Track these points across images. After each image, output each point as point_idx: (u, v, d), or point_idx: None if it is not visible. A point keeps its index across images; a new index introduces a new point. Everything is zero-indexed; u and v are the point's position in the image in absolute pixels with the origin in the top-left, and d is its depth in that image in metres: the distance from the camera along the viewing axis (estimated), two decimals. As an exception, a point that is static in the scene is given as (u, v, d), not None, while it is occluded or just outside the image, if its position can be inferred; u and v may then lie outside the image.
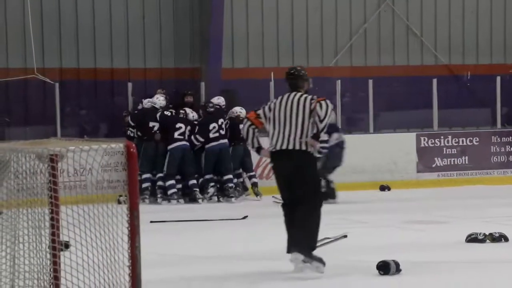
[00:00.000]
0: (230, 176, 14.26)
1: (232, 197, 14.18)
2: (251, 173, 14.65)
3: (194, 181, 14.25)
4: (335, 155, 13.44)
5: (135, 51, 16.45)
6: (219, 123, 14.31)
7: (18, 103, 16.01)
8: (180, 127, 14.22)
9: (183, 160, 14.17)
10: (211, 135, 14.28)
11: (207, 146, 14.30)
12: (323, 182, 13.48)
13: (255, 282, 7.60)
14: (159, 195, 14.22)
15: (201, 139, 14.26)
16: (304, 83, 7.78)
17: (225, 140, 14.36)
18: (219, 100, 14.70)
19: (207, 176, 14.27)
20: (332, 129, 12.69)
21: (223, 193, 14.29)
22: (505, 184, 15.99)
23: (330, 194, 13.42)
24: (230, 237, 10.52)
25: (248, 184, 14.68)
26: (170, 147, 14.19)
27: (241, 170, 14.63)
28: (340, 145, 13.63)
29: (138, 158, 5.34)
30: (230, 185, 14.22)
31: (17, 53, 15.71)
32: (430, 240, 9.78)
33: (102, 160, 5.10)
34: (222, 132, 14.34)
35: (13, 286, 5.59)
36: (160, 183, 14.26)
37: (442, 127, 16.69)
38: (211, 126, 14.30)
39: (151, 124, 14.25)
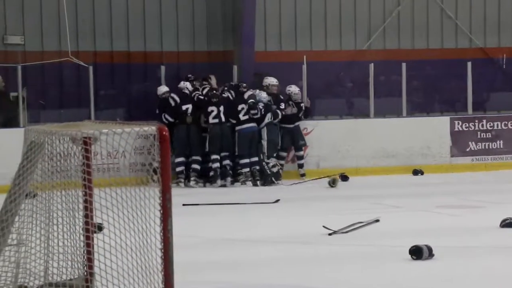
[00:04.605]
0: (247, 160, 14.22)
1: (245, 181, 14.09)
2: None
3: (228, 162, 14.22)
4: None
5: (168, 34, 16.46)
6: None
7: (53, 86, 16.10)
8: (212, 111, 14.22)
9: (222, 139, 14.17)
10: (242, 117, 14.23)
11: (238, 128, 14.28)
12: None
13: (287, 266, 7.61)
14: (192, 178, 14.16)
15: (232, 120, 14.23)
16: None
17: (254, 124, 14.22)
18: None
19: (244, 161, 14.14)
20: None
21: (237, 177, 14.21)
22: (540, 168, 15.85)
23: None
24: (262, 220, 10.53)
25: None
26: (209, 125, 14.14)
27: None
28: None
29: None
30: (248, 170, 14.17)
31: (52, 36, 15.78)
32: (464, 224, 9.72)
33: (135, 143, 5.11)
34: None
35: (47, 267, 5.64)
36: (195, 165, 14.21)
37: (477, 111, 16.52)
38: (239, 107, 14.27)
39: (184, 107, 14.33)
